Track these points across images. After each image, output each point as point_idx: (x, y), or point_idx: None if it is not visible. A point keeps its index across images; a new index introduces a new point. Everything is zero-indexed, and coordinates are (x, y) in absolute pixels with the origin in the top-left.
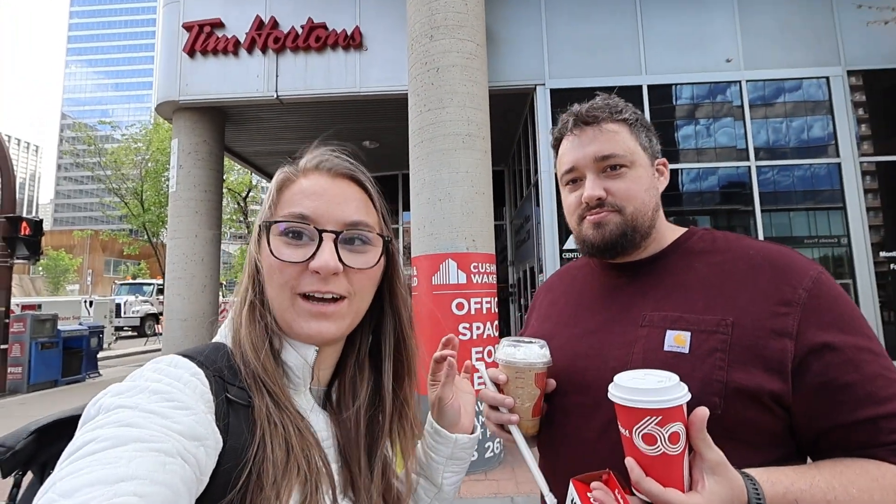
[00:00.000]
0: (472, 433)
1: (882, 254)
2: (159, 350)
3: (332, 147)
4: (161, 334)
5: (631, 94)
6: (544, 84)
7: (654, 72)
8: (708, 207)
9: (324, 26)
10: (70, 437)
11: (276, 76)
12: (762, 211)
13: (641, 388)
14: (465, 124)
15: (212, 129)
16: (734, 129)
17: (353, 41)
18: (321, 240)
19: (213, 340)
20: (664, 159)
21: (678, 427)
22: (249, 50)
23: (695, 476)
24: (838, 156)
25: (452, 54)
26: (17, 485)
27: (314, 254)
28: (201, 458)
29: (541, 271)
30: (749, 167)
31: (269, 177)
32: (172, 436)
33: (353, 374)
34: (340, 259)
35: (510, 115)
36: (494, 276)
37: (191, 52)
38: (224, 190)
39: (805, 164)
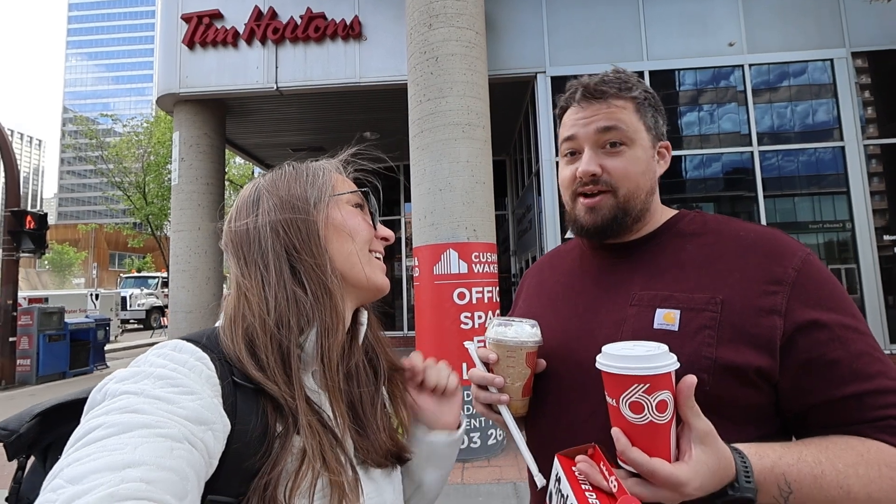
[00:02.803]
0: (455, 429)
1: (886, 237)
2: None
3: (361, 147)
4: (166, 327)
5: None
6: (545, 71)
7: (655, 57)
8: (711, 194)
9: (322, 16)
10: (72, 420)
11: (276, 67)
12: (765, 196)
13: (630, 355)
14: (464, 113)
15: (212, 122)
16: (737, 115)
17: (352, 31)
18: (373, 215)
19: (217, 324)
20: (667, 143)
21: (666, 395)
22: (248, 41)
23: (682, 446)
24: (842, 139)
25: (451, 43)
26: (21, 468)
27: (377, 225)
28: (209, 443)
29: None
30: (752, 152)
31: (270, 168)
32: (179, 421)
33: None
34: None
35: (511, 103)
36: (496, 265)
37: (190, 44)
38: (225, 182)
39: (809, 148)
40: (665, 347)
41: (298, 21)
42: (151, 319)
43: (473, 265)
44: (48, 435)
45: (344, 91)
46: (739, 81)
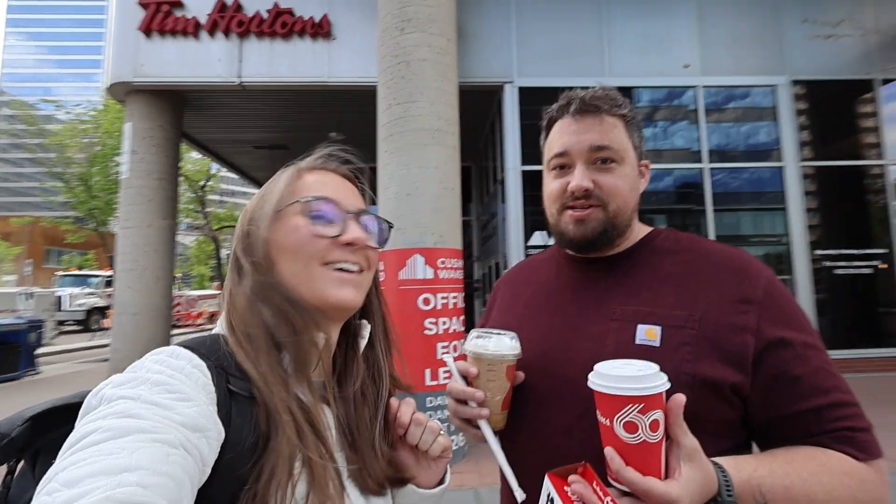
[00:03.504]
0: (434, 486)
1: (818, 251)
2: (107, 345)
3: (336, 147)
4: (108, 329)
5: None
6: (512, 82)
7: (616, 74)
8: (664, 207)
9: (290, 12)
10: (65, 424)
11: (240, 61)
12: (714, 210)
13: (624, 375)
14: (434, 119)
15: (168, 114)
16: (689, 133)
17: (321, 29)
18: (346, 218)
19: (213, 332)
20: (647, 161)
21: (658, 415)
22: (211, 32)
23: (671, 463)
24: (782, 160)
25: (423, 48)
26: (11, 472)
27: (344, 229)
28: (203, 450)
29: (506, 267)
30: (702, 169)
31: (230, 165)
32: (175, 427)
33: (347, 355)
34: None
35: (478, 111)
36: (461, 271)
37: (147, 31)
38: (180, 178)
39: (752, 167)
40: (656, 367)
41: (265, 15)
42: (91, 321)
43: (439, 271)
44: (40, 439)
45: (311, 90)
46: (692, 101)
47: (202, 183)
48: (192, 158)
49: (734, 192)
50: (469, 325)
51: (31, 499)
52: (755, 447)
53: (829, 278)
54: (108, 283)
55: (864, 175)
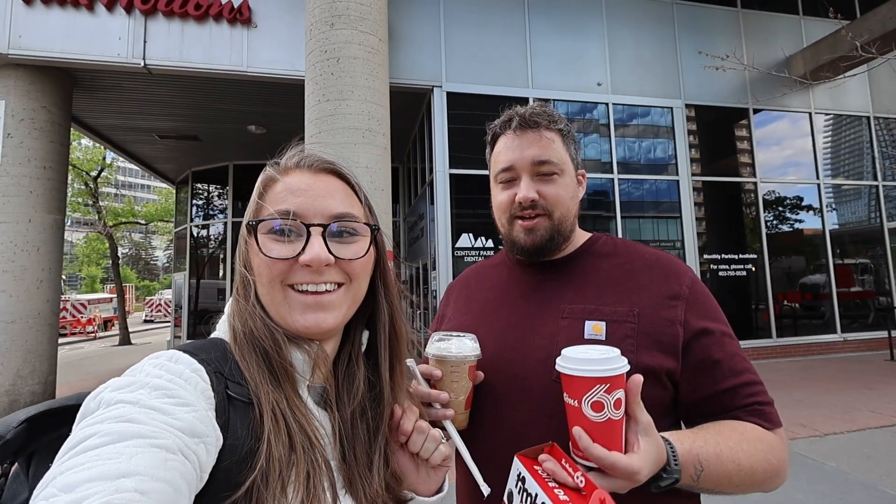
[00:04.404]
0: (432, 494)
1: (705, 255)
2: None
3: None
4: None
5: (520, 104)
6: (441, 86)
7: (539, 86)
8: (579, 213)
9: None
10: (61, 426)
11: (144, 42)
12: (622, 217)
13: (591, 358)
14: (365, 118)
15: (55, 94)
16: (601, 146)
17: (240, 15)
18: (309, 234)
19: (212, 336)
20: (583, 171)
21: (621, 394)
22: (109, 6)
23: (629, 438)
24: (677, 174)
25: (354, 46)
26: (4, 474)
27: (304, 248)
28: (202, 456)
29: (434, 268)
30: (612, 179)
31: (129, 155)
32: (173, 432)
33: (349, 367)
34: (330, 251)
35: (407, 112)
36: (394, 273)
37: None
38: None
39: (653, 179)
40: (617, 350)
41: None
42: None
43: None
44: (35, 441)
45: (228, 79)
46: (604, 116)
47: (95, 173)
48: (83, 146)
49: (637, 201)
50: None
51: (24, 502)
52: (682, 426)
53: (714, 279)
54: None
55: (741, 190)
